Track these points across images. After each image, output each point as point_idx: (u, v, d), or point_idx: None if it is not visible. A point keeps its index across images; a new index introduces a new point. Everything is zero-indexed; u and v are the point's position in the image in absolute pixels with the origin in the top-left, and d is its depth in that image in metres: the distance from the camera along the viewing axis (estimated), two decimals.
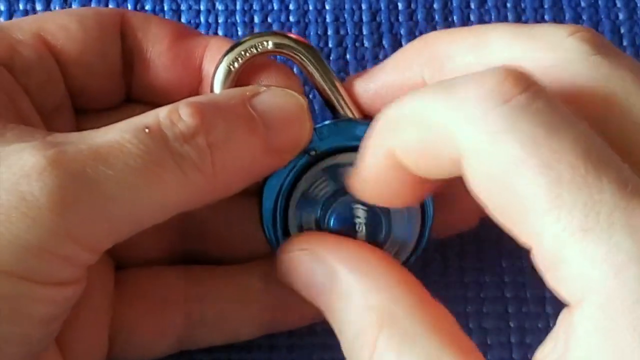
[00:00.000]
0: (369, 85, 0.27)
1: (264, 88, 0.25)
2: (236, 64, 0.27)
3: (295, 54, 0.27)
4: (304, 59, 0.27)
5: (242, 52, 0.27)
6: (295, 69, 0.30)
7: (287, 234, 0.27)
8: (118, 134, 0.22)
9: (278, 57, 0.29)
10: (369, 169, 0.23)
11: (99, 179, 0.21)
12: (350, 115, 0.27)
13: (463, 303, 0.31)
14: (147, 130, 0.23)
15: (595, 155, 0.18)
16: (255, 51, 0.27)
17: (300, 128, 0.26)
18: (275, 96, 0.25)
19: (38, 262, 0.21)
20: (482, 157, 0.19)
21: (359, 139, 0.24)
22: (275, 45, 0.27)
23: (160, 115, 0.23)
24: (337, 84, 0.27)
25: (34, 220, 0.21)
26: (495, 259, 0.31)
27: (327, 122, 0.27)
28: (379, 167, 0.23)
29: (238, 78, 0.27)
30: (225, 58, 0.27)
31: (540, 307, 0.31)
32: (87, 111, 0.28)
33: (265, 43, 0.27)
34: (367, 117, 0.27)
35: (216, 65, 0.27)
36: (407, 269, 0.24)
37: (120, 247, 0.28)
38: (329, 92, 0.27)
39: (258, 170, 0.25)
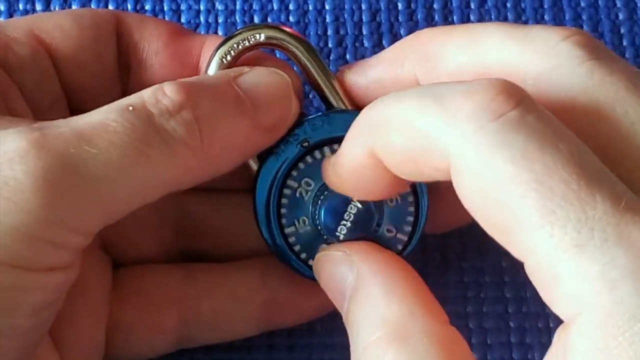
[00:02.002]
0: (361, 79, 0.27)
1: (248, 68, 0.25)
2: (229, 57, 0.27)
3: (287, 47, 0.27)
4: (297, 51, 0.27)
5: (235, 45, 0.27)
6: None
7: (281, 228, 0.27)
8: (102, 115, 0.22)
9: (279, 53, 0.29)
10: (347, 163, 0.23)
11: (84, 159, 0.21)
12: (343, 107, 0.27)
13: (463, 303, 0.31)
14: (131, 108, 0.22)
15: (588, 171, 0.18)
16: (247, 43, 0.27)
17: (287, 105, 0.26)
18: (260, 75, 0.25)
19: (25, 248, 0.21)
20: (473, 172, 0.19)
21: None
22: (267, 37, 0.27)
23: (144, 94, 0.23)
24: (330, 77, 0.27)
25: (17, 205, 0.20)
26: (495, 259, 0.31)
27: (319, 113, 0.27)
28: (358, 163, 0.23)
29: None
30: (219, 51, 0.27)
31: (540, 307, 0.31)
32: (82, 111, 0.28)
33: (257, 35, 0.27)
34: (360, 109, 0.27)
35: (209, 58, 0.27)
36: (428, 289, 0.24)
37: (118, 245, 0.28)
38: (322, 85, 0.27)
39: (247, 148, 0.25)
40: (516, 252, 0.19)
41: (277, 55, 0.31)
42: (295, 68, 0.29)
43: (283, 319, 0.29)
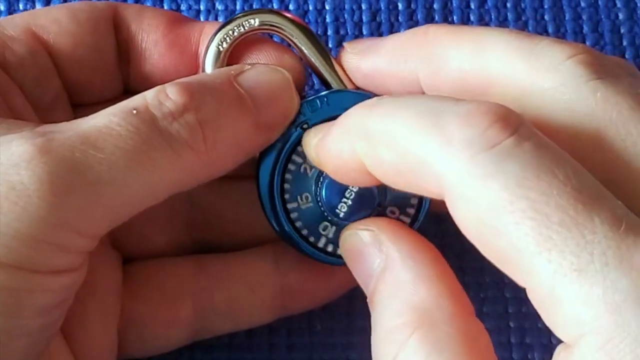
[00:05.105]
0: (362, 64, 0.27)
1: (248, 66, 0.26)
2: (225, 44, 0.26)
3: (283, 31, 0.27)
4: (292, 35, 0.27)
5: (230, 32, 0.26)
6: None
7: (286, 211, 0.26)
8: (106, 118, 0.22)
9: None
10: (330, 153, 0.23)
11: (89, 163, 0.21)
12: (342, 87, 0.27)
13: None
14: (135, 111, 0.22)
15: (586, 194, 0.18)
16: (242, 29, 0.26)
17: (287, 102, 0.26)
18: (261, 73, 0.25)
19: (31, 251, 0.21)
20: (469, 201, 0.19)
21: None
22: (262, 22, 0.27)
23: (147, 96, 0.23)
24: (329, 58, 0.27)
25: (24, 209, 0.20)
26: None
27: (319, 94, 0.26)
28: (342, 158, 0.23)
29: (231, 59, 0.27)
30: (215, 38, 0.26)
31: None
32: (84, 105, 0.28)
33: (252, 21, 0.26)
34: (360, 89, 0.27)
35: (206, 46, 0.27)
36: (456, 277, 0.23)
37: (127, 240, 0.28)
38: (320, 67, 0.27)
39: (249, 146, 0.25)
40: (516, 278, 0.19)
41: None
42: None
43: (298, 304, 0.29)
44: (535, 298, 0.19)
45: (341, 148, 0.23)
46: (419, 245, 0.24)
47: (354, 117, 0.23)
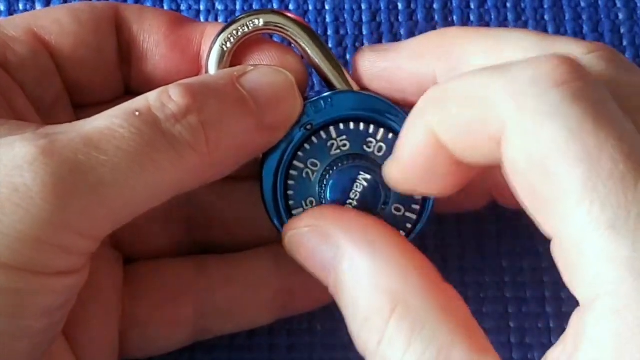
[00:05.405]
0: (379, 63, 0.27)
1: (252, 67, 0.26)
2: (229, 44, 0.26)
3: (287, 31, 0.27)
4: (297, 35, 0.27)
5: (234, 32, 0.26)
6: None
7: (289, 212, 0.26)
8: (109, 120, 0.22)
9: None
10: (407, 148, 0.23)
11: (92, 165, 0.21)
12: (346, 88, 0.27)
13: None
14: (137, 113, 0.23)
15: (637, 156, 0.18)
16: (246, 30, 0.26)
17: (290, 104, 0.26)
18: (264, 74, 0.25)
19: (34, 253, 0.21)
20: (526, 136, 0.19)
21: (355, 109, 0.25)
22: (266, 23, 0.27)
23: (150, 98, 0.23)
24: (334, 60, 0.27)
25: (27, 211, 0.20)
26: (495, 259, 0.31)
27: (323, 95, 0.26)
28: (417, 145, 0.22)
29: (234, 59, 0.27)
30: (218, 38, 0.27)
31: (540, 307, 0.31)
32: (86, 106, 0.28)
33: (256, 21, 0.27)
34: (364, 89, 0.27)
35: (210, 46, 0.27)
36: (418, 249, 0.23)
37: (128, 241, 0.29)
38: (323, 68, 0.27)
39: (252, 148, 0.25)
40: (548, 224, 0.19)
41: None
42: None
43: (298, 305, 0.29)
44: (561, 248, 0.19)
45: (415, 133, 0.22)
46: (367, 226, 0.24)
47: (421, 99, 0.23)
